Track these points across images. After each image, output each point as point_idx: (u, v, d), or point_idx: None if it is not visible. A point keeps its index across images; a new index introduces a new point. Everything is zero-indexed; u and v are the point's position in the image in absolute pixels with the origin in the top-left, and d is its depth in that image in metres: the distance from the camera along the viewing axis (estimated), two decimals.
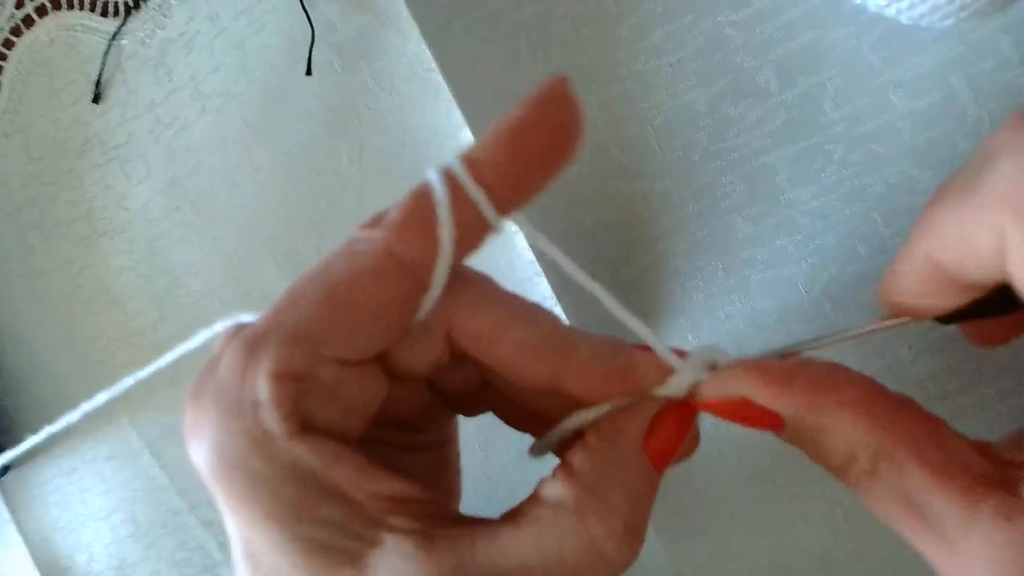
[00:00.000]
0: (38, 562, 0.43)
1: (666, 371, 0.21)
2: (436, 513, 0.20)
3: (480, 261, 0.21)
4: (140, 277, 0.39)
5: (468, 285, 0.21)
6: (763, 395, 0.20)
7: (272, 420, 0.18)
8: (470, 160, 0.20)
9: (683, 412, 0.21)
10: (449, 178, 0.19)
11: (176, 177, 0.37)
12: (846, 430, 0.19)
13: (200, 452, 0.19)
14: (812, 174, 0.29)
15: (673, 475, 0.32)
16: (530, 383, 0.21)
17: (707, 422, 0.32)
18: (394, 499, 0.19)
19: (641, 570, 0.34)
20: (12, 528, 0.43)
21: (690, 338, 0.31)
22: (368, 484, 0.19)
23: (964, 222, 0.18)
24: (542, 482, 0.20)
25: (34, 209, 0.40)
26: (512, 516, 0.20)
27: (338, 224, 0.35)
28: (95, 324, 0.40)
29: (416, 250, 0.19)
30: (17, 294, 0.42)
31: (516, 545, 0.19)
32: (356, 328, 0.19)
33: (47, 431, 0.30)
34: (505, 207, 0.20)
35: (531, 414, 0.23)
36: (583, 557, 0.19)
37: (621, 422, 0.21)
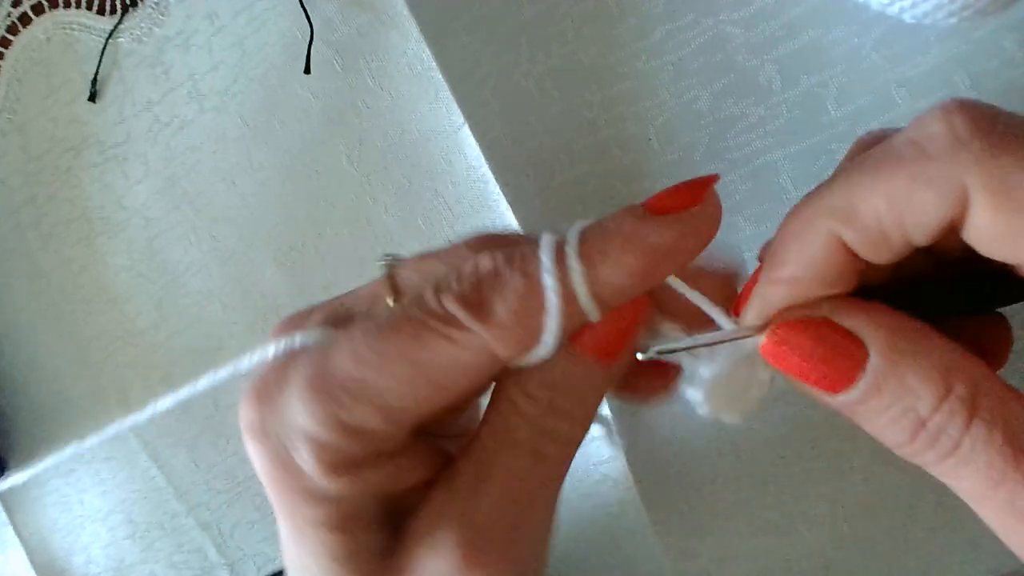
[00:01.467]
0: (35, 563, 0.43)
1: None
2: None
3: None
4: (139, 276, 0.39)
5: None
6: (846, 314, 0.18)
7: (314, 459, 0.19)
8: (589, 263, 0.19)
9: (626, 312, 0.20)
10: (560, 272, 0.19)
11: (174, 176, 0.37)
12: (944, 355, 0.17)
13: (262, 462, 0.20)
14: (815, 173, 0.28)
15: (674, 477, 0.32)
16: None
17: (707, 423, 0.32)
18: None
19: (641, 571, 0.34)
20: (9, 529, 0.43)
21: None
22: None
23: (901, 187, 0.16)
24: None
25: (32, 209, 0.40)
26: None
27: (337, 222, 0.35)
28: (94, 323, 0.40)
29: (517, 352, 0.19)
30: (15, 294, 0.42)
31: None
32: (437, 405, 0.19)
33: (50, 459, 0.30)
34: (608, 304, 0.19)
35: None
36: (482, 361, 0.19)
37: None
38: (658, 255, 0.19)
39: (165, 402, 0.24)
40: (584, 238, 0.19)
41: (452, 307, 0.19)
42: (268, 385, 0.20)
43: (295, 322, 0.21)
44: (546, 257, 0.19)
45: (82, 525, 0.42)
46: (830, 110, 0.28)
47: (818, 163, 0.28)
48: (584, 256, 0.19)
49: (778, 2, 0.28)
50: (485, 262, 0.20)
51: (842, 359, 0.18)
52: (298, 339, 0.21)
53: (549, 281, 0.19)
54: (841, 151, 0.28)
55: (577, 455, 0.32)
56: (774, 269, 0.19)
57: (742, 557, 0.33)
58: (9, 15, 0.38)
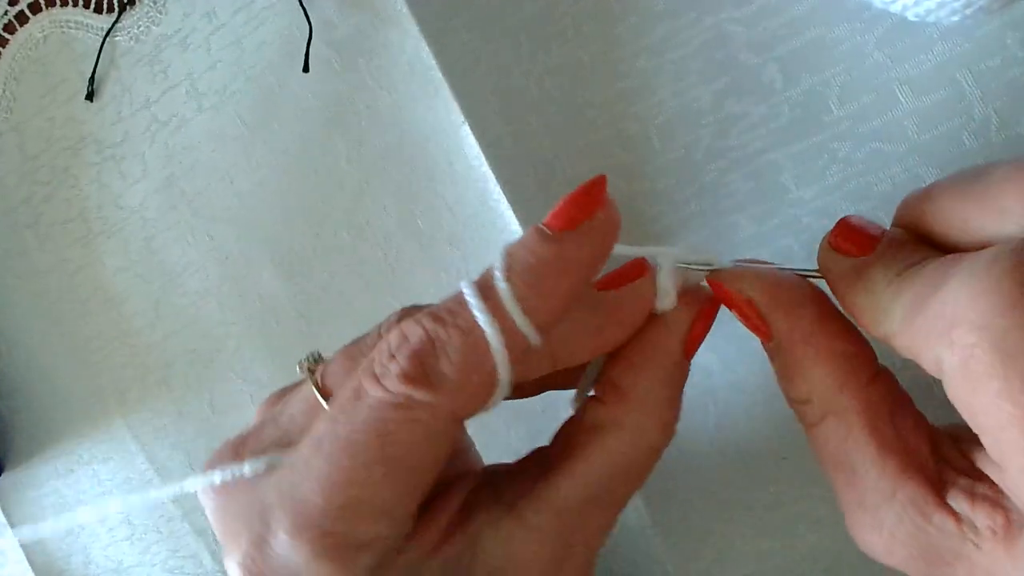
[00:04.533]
0: (34, 564, 0.43)
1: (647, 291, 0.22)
2: (491, 488, 0.22)
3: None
4: (136, 277, 0.39)
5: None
6: (770, 307, 0.21)
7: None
8: (524, 300, 0.19)
9: (709, 312, 0.23)
10: (495, 312, 0.19)
11: (172, 176, 0.37)
12: (815, 376, 0.20)
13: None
14: (817, 172, 0.28)
15: (675, 478, 0.32)
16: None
17: (708, 423, 0.31)
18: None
19: (642, 572, 0.34)
20: (8, 531, 0.43)
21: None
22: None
23: (913, 331, 0.18)
24: (591, 406, 0.22)
25: (29, 208, 0.40)
26: (564, 451, 0.22)
27: (336, 223, 0.35)
28: (91, 324, 0.40)
29: (479, 405, 0.20)
30: (12, 294, 0.41)
31: (584, 475, 0.21)
32: (426, 481, 0.20)
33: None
34: (543, 326, 0.20)
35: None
36: (642, 459, 0.22)
37: (658, 337, 0.22)
38: (583, 269, 0.20)
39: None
40: (508, 276, 0.19)
41: (400, 389, 0.18)
42: (251, 552, 0.19)
43: (229, 453, 0.21)
44: (476, 303, 0.19)
45: (81, 526, 0.42)
46: (832, 109, 0.28)
47: (820, 162, 0.28)
48: (515, 293, 0.19)
49: (780, 0, 0.27)
50: (413, 329, 0.19)
51: (758, 326, 0.21)
52: (247, 468, 0.20)
53: (488, 327, 0.19)
54: (844, 150, 0.28)
55: None
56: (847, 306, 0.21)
57: (743, 558, 0.32)
58: (6, 13, 0.38)
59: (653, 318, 0.22)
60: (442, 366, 0.19)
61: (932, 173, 0.27)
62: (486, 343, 0.19)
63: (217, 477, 0.20)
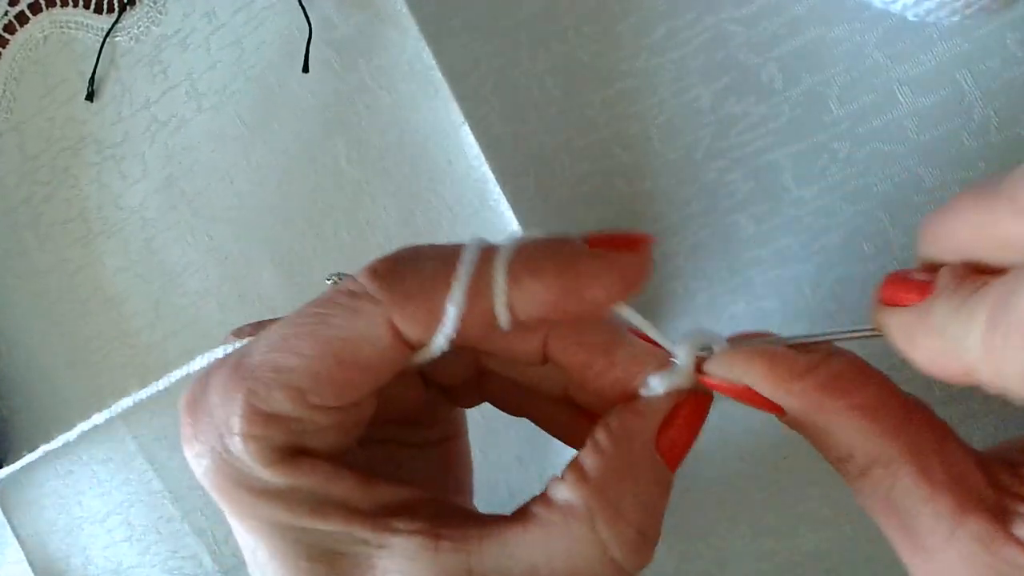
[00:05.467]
0: (34, 565, 0.43)
1: (663, 360, 0.21)
2: (441, 512, 0.20)
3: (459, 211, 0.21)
4: (136, 277, 0.39)
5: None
6: (768, 389, 0.20)
7: (248, 452, 0.19)
8: (513, 273, 0.19)
9: (696, 404, 0.21)
10: (481, 268, 0.19)
11: (172, 176, 0.37)
12: (848, 433, 0.19)
13: (199, 467, 0.20)
14: (817, 172, 0.28)
15: (675, 477, 0.32)
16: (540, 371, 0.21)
17: (708, 422, 0.31)
18: (397, 504, 0.19)
19: (642, 572, 0.34)
20: (8, 531, 0.43)
21: None
22: (370, 495, 0.19)
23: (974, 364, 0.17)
24: (552, 483, 0.20)
25: (29, 209, 0.40)
26: (521, 516, 0.20)
27: (336, 223, 0.35)
28: (91, 324, 0.40)
29: (417, 332, 0.19)
30: (12, 294, 0.41)
31: (525, 548, 0.19)
32: (347, 384, 0.19)
33: (43, 449, 0.30)
34: (520, 318, 0.19)
35: (528, 399, 0.23)
36: (593, 563, 0.19)
37: (631, 421, 0.20)
38: (582, 284, 0.19)
39: (148, 391, 0.24)
40: (519, 249, 0.19)
41: (362, 278, 0.19)
42: (195, 392, 0.20)
43: (245, 331, 0.22)
44: (469, 252, 0.19)
45: (80, 527, 0.42)
46: (832, 109, 0.28)
47: (820, 162, 0.28)
48: (513, 266, 0.19)
49: (780, 0, 0.27)
50: (413, 248, 0.20)
51: (767, 407, 0.20)
52: (237, 342, 0.21)
53: (462, 271, 0.19)
54: (844, 150, 0.28)
55: None
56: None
57: (744, 559, 0.32)
58: (6, 14, 0.38)
59: (630, 401, 0.21)
60: (406, 278, 0.19)
61: (932, 173, 0.27)
62: (449, 285, 0.19)
63: (220, 351, 0.21)
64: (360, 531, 0.19)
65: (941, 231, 0.19)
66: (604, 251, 0.19)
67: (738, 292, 0.30)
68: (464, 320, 0.19)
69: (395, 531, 0.19)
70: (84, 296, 0.40)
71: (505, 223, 0.32)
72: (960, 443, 0.19)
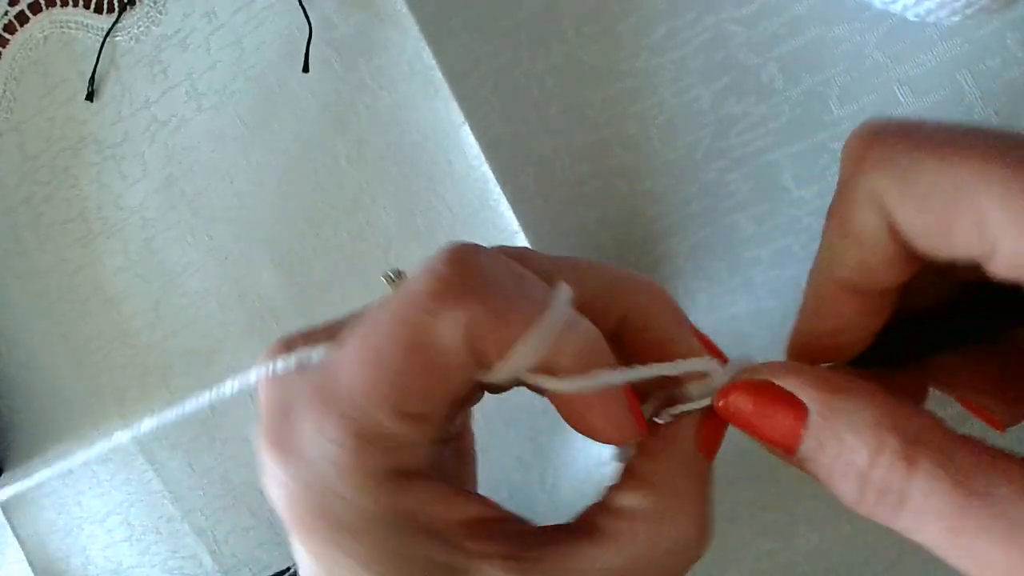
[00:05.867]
0: (34, 564, 0.43)
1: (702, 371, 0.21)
2: (515, 531, 0.20)
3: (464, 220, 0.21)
4: (136, 277, 0.39)
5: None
6: (793, 380, 0.19)
7: (350, 482, 0.18)
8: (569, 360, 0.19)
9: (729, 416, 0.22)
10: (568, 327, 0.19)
11: (172, 176, 0.37)
12: (872, 413, 0.18)
13: (282, 498, 0.19)
14: (817, 172, 0.28)
15: None
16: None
17: None
18: (476, 523, 0.19)
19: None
20: (7, 531, 0.43)
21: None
22: (454, 512, 0.19)
23: (838, 215, 0.18)
24: (613, 492, 0.21)
25: (29, 208, 0.40)
26: (586, 528, 0.20)
27: (336, 223, 0.35)
28: (91, 324, 0.40)
29: (490, 354, 0.19)
30: (12, 294, 0.41)
31: (604, 558, 0.19)
32: (435, 393, 0.19)
33: (43, 472, 0.30)
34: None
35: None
36: (668, 557, 0.20)
37: (675, 426, 0.21)
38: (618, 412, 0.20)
39: (167, 415, 0.23)
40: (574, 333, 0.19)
41: (441, 285, 0.19)
42: (275, 421, 0.19)
43: (287, 344, 0.21)
44: (562, 302, 0.19)
45: (80, 527, 0.42)
46: (832, 109, 0.28)
47: (820, 162, 0.28)
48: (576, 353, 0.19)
49: (780, 0, 0.27)
50: (489, 255, 0.20)
51: (784, 418, 0.19)
52: (297, 356, 0.20)
53: (553, 317, 0.19)
54: None
55: (579, 455, 0.32)
56: (828, 235, 0.20)
57: (744, 558, 0.32)
58: (6, 13, 0.38)
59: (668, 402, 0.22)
60: (494, 295, 0.19)
61: None
62: (528, 325, 0.19)
63: (271, 367, 0.20)
64: (447, 556, 0.19)
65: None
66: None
67: (738, 292, 0.30)
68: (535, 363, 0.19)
69: (480, 555, 0.19)
70: (84, 296, 0.40)
71: (505, 223, 0.32)
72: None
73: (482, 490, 0.34)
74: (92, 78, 0.37)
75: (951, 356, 0.22)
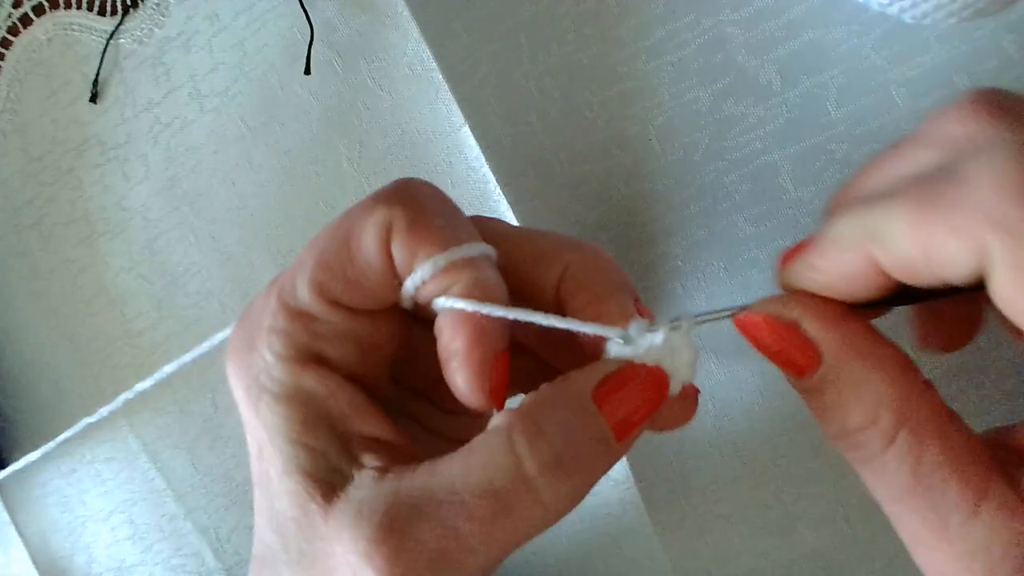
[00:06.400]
0: (37, 563, 0.43)
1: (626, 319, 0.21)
2: (406, 456, 0.21)
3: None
4: (139, 277, 0.39)
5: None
6: (818, 325, 0.20)
7: (270, 347, 0.21)
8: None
9: (647, 377, 0.21)
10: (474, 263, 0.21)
11: (175, 177, 0.37)
12: (879, 388, 0.19)
13: (229, 370, 0.22)
14: (814, 174, 0.28)
15: (675, 477, 0.32)
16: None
17: (707, 423, 0.32)
18: (375, 440, 0.21)
19: (642, 571, 0.34)
20: (12, 529, 0.43)
21: (692, 339, 0.31)
22: (357, 422, 0.21)
23: (930, 232, 0.17)
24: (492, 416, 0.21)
25: (33, 209, 0.40)
26: (460, 446, 0.20)
27: None
28: (94, 324, 0.40)
29: (400, 259, 0.21)
30: (16, 295, 0.42)
31: (447, 467, 0.19)
32: (356, 281, 0.21)
33: (44, 448, 0.30)
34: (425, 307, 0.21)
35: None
36: (508, 481, 0.19)
37: (574, 373, 0.21)
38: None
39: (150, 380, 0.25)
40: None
41: (387, 192, 0.22)
42: (245, 309, 0.22)
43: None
44: (477, 248, 0.21)
45: (84, 525, 0.42)
46: (830, 110, 0.28)
47: (818, 163, 0.28)
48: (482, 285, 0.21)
49: (778, 2, 0.28)
50: (439, 195, 0.22)
51: (799, 357, 0.20)
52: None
53: (461, 251, 0.21)
54: (841, 152, 0.28)
55: None
56: (813, 257, 0.20)
57: (743, 557, 0.33)
58: (10, 16, 0.38)
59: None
60: (423, 212, 0.21)
61: None
62: (437, 247, 0.21)
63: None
64: (336, 458, 0.20)
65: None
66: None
67: (736, 293, 0.30)
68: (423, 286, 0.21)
69: (361, 465, 0.20)
70: (87, 296, 0.40)
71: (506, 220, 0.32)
72: (962, 421, 0.19)
73: None
74: (96, 80, 0.37)
75: None
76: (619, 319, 0.21)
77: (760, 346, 0.21)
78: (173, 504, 0.40)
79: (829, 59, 0.27)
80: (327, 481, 0.20)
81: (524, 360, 0.24)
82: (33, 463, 0.40)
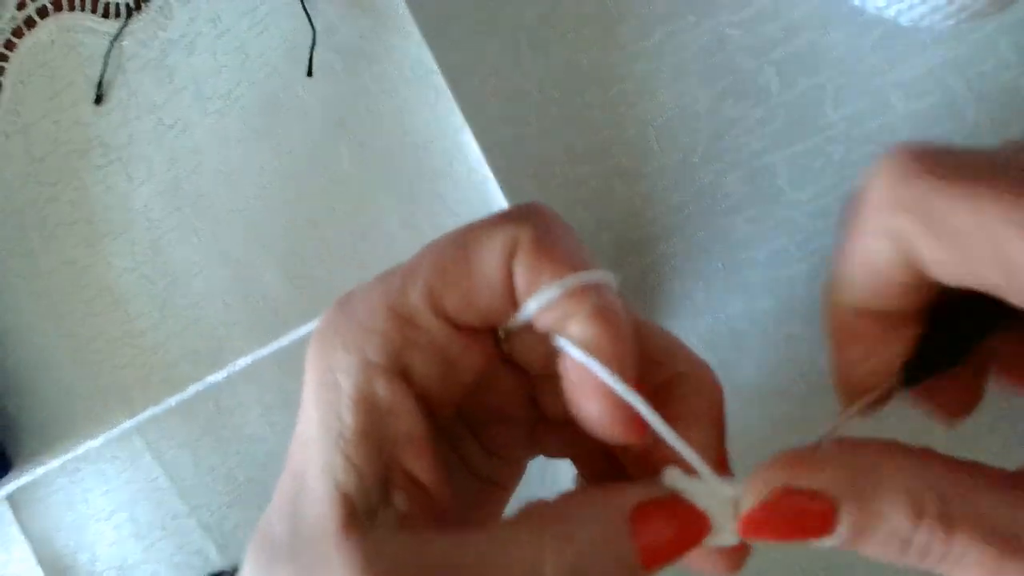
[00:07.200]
0: (41, 561, 0.43)
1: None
2: (437, 509, 0.20)
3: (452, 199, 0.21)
4: (141, 278, 0.39)
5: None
6: (804, 474, 0.19)
7: (366, 346, 0.19)
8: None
9: (691, 514, 0.20)
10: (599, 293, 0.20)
11: (178, 178, 0.37)
12: (905, 479, 0.18)
13: (311, 356, 0.21)
14: (812, 175, 0.29)
15: None
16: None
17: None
18: (414, 480, 0.19)
19: None
20: (15, 527, 0.43)
21: (691, 339, 0.31)
22: (406, 453, 0.19)
23: (857, 245, 0.18)
24: (527, 503, 0.20)
25: (35, 210, 0.40)
26: (487, 525, 0.20)
27: (339, 225, 0.35)
28: (96, 325, 0.40)
29: (522, 283, 0.20)
30: (18, 295, 0.42)
31: (473, 548, 0.18)
32: (468, 296, 0.20)
33: (50, 464, 0.30)
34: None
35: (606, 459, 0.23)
36: None
37: (619, 487, 0.20)
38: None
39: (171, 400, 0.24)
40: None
41: (519, 212, 0.20)
42: (344, 297, 0.21)
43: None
44: (602, 275, 0.20)
45: (87, 524, 0.43)
46: (828, 112, 0.28)
47: (816, 164, 0.29)
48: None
49: (777, 5, 0.28)
50: (564, 225, 0.21)
51: (814, 515, 0.19)
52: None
53: (586, 276, 0.19)
54: (838, 153, 0.28)
55: None
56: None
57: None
58: (14, 18, 0.39)
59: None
60: (549, 236, 0.20)
61: None
62: (563, 273, 0.19)
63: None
64: (371, 483, 0.19)
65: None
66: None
67: (735, 292, 0.30)
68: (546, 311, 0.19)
69: (389, 502, 0.19)
70: (89, 296, 0.40)
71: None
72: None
73: None
74: (100, 82, 0.37)
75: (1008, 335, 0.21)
76: (704, 450, 0.20)
77: (772, 535, 0.20)
78: (177, 502, 0.40)
79: (827, 61, 0.28)
80: (353, 500, 0.19)
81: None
82: (37, 461, 0.40)
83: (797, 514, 0.19)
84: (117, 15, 0.37)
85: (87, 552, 0.43)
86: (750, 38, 0.28)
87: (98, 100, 0.38)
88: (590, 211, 0.31)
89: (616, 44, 0.30)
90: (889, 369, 0.20)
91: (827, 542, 0.19)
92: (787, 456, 0.20)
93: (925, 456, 0.19)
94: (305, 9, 0.33)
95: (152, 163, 0.37)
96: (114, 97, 0.37)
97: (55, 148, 0.39)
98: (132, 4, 0.36)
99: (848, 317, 0.20)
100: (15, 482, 0.42)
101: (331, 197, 0.35)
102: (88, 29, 0.37)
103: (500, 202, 0.32)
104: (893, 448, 0.19)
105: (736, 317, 0.30)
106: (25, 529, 0.43)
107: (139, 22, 0.36)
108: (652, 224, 0.31)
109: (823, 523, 0.19)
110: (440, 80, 0.32)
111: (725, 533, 0.20)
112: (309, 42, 0.33)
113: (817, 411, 0.31)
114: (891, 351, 0.20)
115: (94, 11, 0.37)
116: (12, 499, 0.43)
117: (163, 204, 0.38)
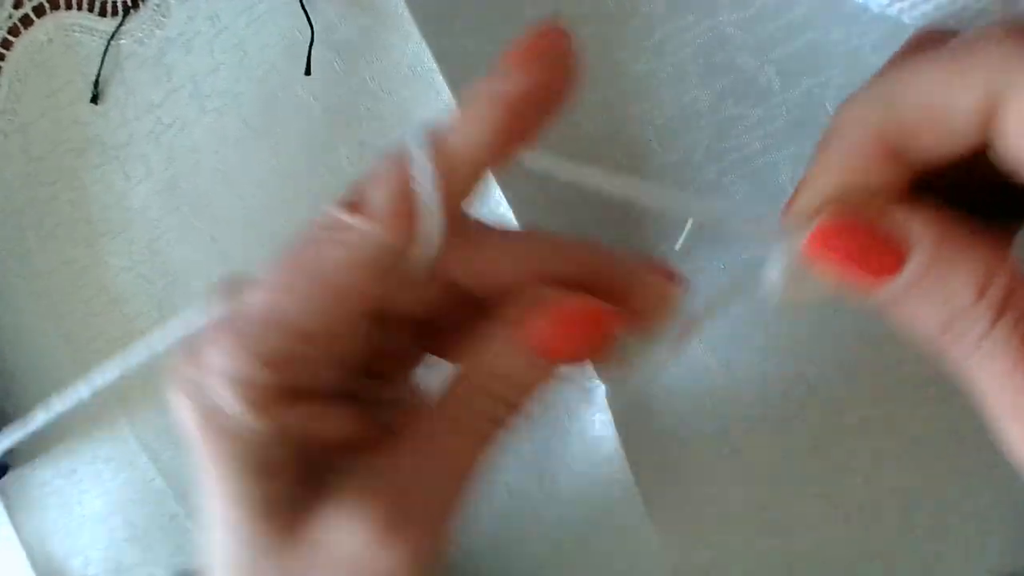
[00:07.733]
0: (35, 563, 0.43)
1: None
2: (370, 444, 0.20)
3: None
4: (139, 277, 0.39)
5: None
6: (905, 218, 0.18)
7: (240, 403, 0.19)
8: (455, 139, 0.20)
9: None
10: (435, 151, 0.20)
11: (176, 177, 0.37)
12: (986, 256, 0.17)
13: (181, 411, 0.20)
14: None
15: (675, 478, 0.32)
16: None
17: (707, 423, 0.32)
18: (345, 443, 0.20)
19: (641, 571, 0.34)
20: (10, 530, 0.43)
21: (691, 339, 0.31)
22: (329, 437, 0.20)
23: (938, 79, 0.16)
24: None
25: (33, 209, 0.40)
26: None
27: None
28: (94, 325, 0.40)
29: (402, 237, 0.20)
30: (16, 295, 0.42)
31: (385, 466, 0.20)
32: (351, 321, 0.20)
33: (39, 420, 0.30)
34: (485, 168, 0.20)
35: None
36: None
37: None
38: (511, 107, 0.20)
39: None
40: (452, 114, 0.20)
41: (332, 211, 0.20)
42: (192, 341, 0.20)
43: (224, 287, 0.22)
44: (411, 136, 0.20)
45: (82, 526, 0.42)
46: (829, 111, 0.28)
47: None
48: (450, 122, 0.19)
49: (778, 3, 0.28)
50: (371, 168, 0.20)
51: (885, 257, 0.18)
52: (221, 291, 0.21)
53: (416, 153, 0.19)
54: None
55: (579, 454, 0.32)
56: (822, 159, 0.19)
57: (742, 557, 0.33)
58: (10, 16, 0.38)
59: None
60: (373, 195, 0.20)
61: None
62: (414, 175, 0.19)
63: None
64: (300, 491, 0.19)
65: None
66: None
67: (734, 292, 0.30)
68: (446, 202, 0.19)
69: (328, 486, 0.19)
70: (87, 296, 0.40)
71: (506, 224, 0.32)
72: None
73: (480, 491, 0.34)
74: (97, 80, 0.37)
75: None
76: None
77: (834, 266, 0.18)
78: (174, 504, 0.40)
79: (829, 60, 0.28)
80: (286, 514, 0.19)
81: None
82: (33, 462, 0.40)
83: (871, 240, 0.18)
84: (114, 13, 0.37)
85: (81, 555, 0.43)
86: (751, 37, 0.28)
87: (95, 99, 0.37)
88: (590, 210, 0.31)
89: (616, 43, 0.30)
90: (883, 194, 0.19)
91: (879, 292, 0.18)
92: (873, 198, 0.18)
93: (1003, 246, 0.18)
94: (304, 7, 0.33)
95: (150, 162, 0.37)
96: (111, 96, 0.37)
97: (53, 147, 0.39)
98: (129, 2, 0.36)
99: (867, 129, 0.18)
100: (10, 483, 0.41)
101: (330, 195, 0.35)
102: (85, 27, 0.37)
103: (499, 201, 0.32)
104: (978, 230, 0.18)
105: (736, 317, 0.30)
106: (20, 532, 0.43)
107: (136, 20, 0.36)
108: (652, 224, 0.31)
109: (890, 262, 0.18)
110: (439, 79, 0.31)
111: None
112: (308, 40, 0.33)
113: (818, 412, 0.31)
114: (895, 177, 0.19)
115: (91, 9, 0.37)
116: (7, 500, 0.43)
117: (161, 203, 0.38)
